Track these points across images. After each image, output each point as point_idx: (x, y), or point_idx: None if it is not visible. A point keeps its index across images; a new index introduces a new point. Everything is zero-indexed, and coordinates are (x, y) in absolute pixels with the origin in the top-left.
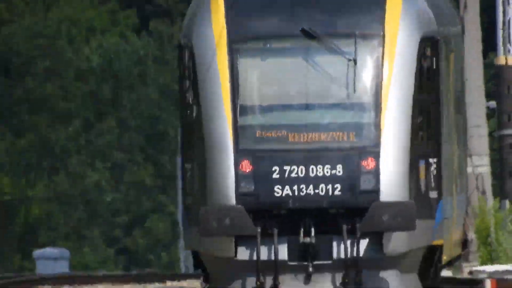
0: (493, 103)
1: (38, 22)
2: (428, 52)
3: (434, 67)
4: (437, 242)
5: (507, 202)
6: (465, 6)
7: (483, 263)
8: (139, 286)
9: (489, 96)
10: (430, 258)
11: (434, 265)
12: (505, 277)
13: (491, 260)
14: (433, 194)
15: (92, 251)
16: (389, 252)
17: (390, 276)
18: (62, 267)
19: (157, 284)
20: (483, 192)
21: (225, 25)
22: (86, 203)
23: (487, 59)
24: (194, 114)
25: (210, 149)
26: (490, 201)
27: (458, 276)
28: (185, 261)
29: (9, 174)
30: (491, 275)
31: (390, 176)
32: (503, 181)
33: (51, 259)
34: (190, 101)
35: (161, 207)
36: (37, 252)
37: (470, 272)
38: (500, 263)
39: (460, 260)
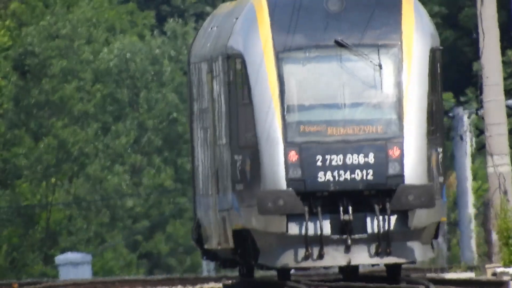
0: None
1: (56, 23)
2: (435, 59)
3: (439, 71)
4: (443, 218)
5: None
6: (482, 1)
7: (505, 264)
8: None
9: (508, 94)
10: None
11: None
12: None
13: None
14: (441, 179)
15: (114, 256)
16: (413, 226)
17: (414, 246)
18: (85, 273)
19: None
20: (505, 192)
21: (271, 38)
22: (106, 207)
23: (505, 56)
24: (246, 114)
25: (262, 142)
26: None
27: (481, 278)
28: (207, 264)
29: (29, 179)
30: None
31: (412, 162)
32: None
33: (73, 264)
34: (242, 103)
35: (181, 211)
36: (59, 258)
37: (494, 274)
38: None
39: (484, 262)
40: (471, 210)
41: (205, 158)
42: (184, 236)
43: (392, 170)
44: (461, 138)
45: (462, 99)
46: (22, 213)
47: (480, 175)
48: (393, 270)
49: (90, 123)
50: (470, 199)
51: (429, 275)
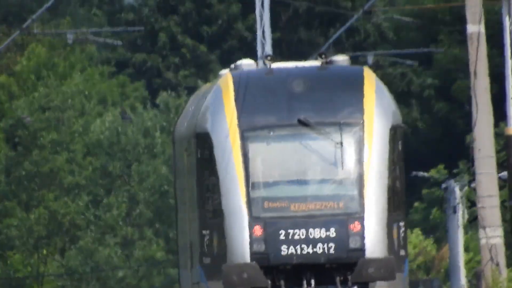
0: (504, 174)
1: (48, 95)
2: (396, 137)
3: (400, 148)
4: None
5: None
6: (475, 74)
7: None
8: None
9: (500, 166)
10: None
11: None
12: None
13: None
14: (402, 252)
15: None
16: None
17: None
18: None
19: None
20: (497, 264)
21: (236, 117)
22: (97, 279)
23: (497, 128)
24: (212, 190)
25: (228, 218)
26: (504, 273)
27: None
28: None
29: (20, 250)
30: None
31: (373, 237)
32: None
33: None
34: (209, 180)
35: (172, 282)
36: None
37: None
38: None
39: None
40: (463, 282)
41: (183, 231)
42: None
43: (353, 244)
44: (454, 210)
45: (454, 171)
46: (13, 285)
47: (472, 246)
48: None
49: (81, 195)
50: (462, 271)
51: None
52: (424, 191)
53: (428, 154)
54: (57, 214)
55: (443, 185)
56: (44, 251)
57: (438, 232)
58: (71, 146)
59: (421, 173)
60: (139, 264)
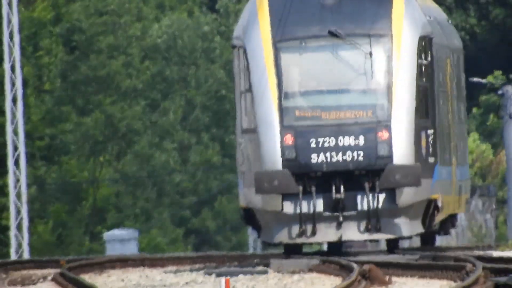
0: None
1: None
2: (425, 47)
3: (430, 59)
4: (434, 196)
5: None
6: None
7: None
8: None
9: None
10: (428, 209)
11: (430, 215)
12: None
13: None
14: (431, 159)
15: (161, 232)
16: (401, 203)
17: (401, 222)
18: (131, 248)
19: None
20: None
21: (270, 29)
22: (154, 183)
23: None
24: (247, 99)
25: (260, 126)
26: None
27: None
28: (253, 242)
29: (76, 156)
30: None
31: (400, 144)
32: None
33: (120, 241)
34: (244, 89)
35: (229, 187)
36: (107, 234)
37: None
38: None
39: None
40: None
41: None
42: (231, 212)
43: (381, 151)
44: (510, 116)
45: (511, 76)
46: (69, 189)
47: None
48: (390, 245)
49: (138, 100)
50: None
51: (476, 252)
52: (481, 97)
53: (485, 60)
54: (114, 119)
55: (500, 91)
56: (101, 159)
57: (495, 137)
58: (128, 51)
59: (478, 79)
60: (196, 168)
